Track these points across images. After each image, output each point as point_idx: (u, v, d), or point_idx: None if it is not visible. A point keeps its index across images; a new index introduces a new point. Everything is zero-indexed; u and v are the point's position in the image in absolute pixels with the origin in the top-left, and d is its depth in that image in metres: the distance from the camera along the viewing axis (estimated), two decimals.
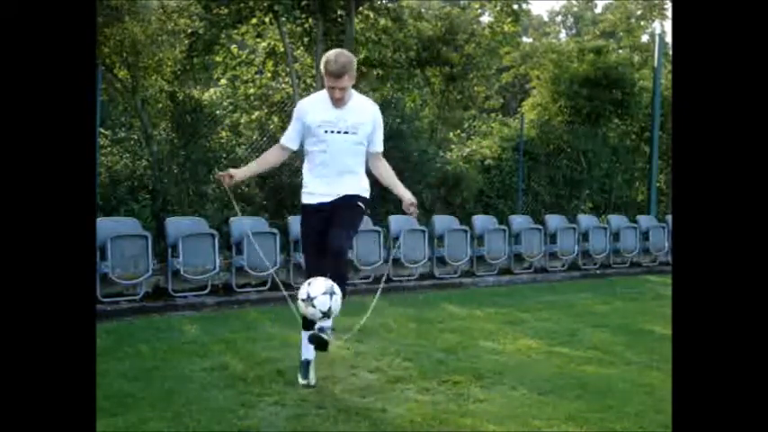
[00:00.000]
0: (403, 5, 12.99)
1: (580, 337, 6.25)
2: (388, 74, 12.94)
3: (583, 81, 13.27)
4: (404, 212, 4.48)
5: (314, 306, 3.95)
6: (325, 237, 4.23)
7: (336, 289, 4.00)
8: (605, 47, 14.48)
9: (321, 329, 4.26)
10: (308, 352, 4.48)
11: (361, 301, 7.83)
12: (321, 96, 4.37)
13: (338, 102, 4.24)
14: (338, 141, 4.28)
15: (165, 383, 4.46)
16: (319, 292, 3.95)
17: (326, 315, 3.99)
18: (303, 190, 4.49)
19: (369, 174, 4.54)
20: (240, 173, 4.53)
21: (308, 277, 4.20)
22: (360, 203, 4.41)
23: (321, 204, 4.36)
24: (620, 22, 27.35)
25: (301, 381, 4.45)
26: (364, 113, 4.36)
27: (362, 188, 4.46)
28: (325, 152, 4.31)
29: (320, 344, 4.16)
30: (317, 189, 4.37)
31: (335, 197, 4.35)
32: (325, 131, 4.28)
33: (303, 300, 4.00)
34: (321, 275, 4.09)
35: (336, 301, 3.98)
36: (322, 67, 4.22)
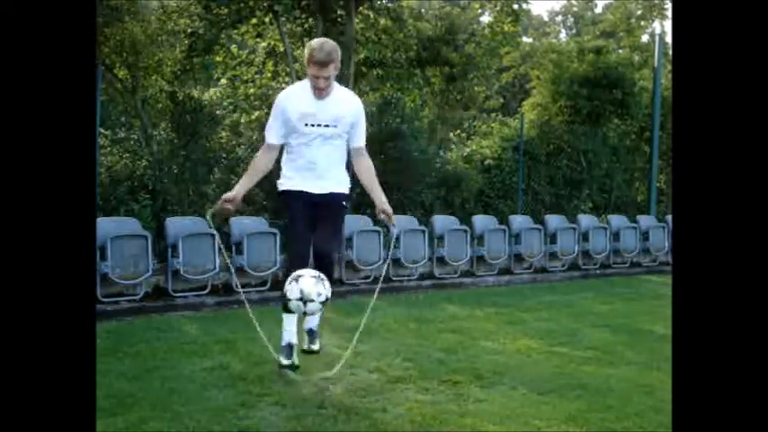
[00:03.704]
0: (403, 5, 12.99)
1: (580, 337, 6.25)
2: (388, 74, 12.95)
3: (583, 81, 13.28)
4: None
5: (299, 285, 3.92)
6: (313, 229, 4.24)
7: (324, 278, 4.00)
8: (605, 47, 14.49)
9: (311, 332, 4.43)
10: (291, 336, 4.43)
11: (361, 301, 7.88)
12: (301, 87, 4.21)
13: (321, 92, 4.07)
14: (320, 135, 4.18)
15: (165, 383, 4.46)
16: (308, 274, 3.96)
17: (305, 299, 3.93)
18: (282, 178, 4.36)
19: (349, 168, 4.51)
20: (239, 193, 4.29)
21: (292, 262, 4.22)
22: (343, 202, 4.40)
23: (303, 192, 4.28)
24: (620, 22, 27.37)
25: (284, 361, 4.36)
26: (346, 106, 4.22)
27: (343, 182, 4.41)
28: (306, 146, 4.20)
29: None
30: (299, 180, 4.30)
31: (318, 192, 4.28)
32: (306, 125, 4.15)
33: (291, 280, 3.98)
34: (305, 263, 4.14)
35: (324, 287, 3.96)
36: (306, 55, 4.04)
